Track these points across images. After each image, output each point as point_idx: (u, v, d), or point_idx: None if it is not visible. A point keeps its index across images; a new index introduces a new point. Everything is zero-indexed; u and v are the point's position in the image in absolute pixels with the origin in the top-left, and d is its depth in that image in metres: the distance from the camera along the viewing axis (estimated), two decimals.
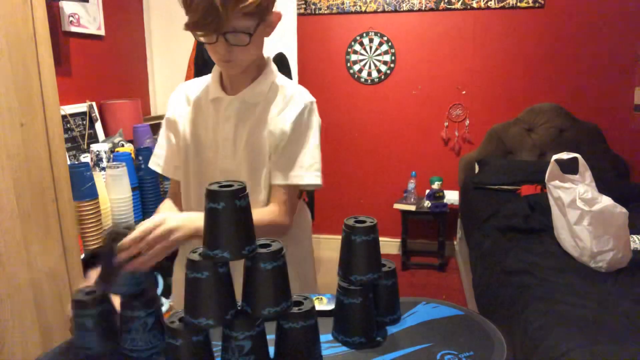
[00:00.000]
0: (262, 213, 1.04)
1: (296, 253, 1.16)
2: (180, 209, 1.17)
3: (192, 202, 1.15)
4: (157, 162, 1.21)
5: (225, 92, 1.09)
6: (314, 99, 1.10)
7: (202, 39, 0.97)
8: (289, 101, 1.07)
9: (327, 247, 3.40)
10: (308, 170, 1.07)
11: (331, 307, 0.93)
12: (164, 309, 2.30)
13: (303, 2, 3.34)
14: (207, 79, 1.15)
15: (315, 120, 1.10)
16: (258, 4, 0.92)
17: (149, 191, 2.16)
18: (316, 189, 1.12)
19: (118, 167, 1.92)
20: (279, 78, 1.12)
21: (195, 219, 0.89)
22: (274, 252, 0.72)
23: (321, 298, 0.96)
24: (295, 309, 0.74)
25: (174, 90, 1.19)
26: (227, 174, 1.09)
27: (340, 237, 0.86)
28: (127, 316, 0.79)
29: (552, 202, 1.92)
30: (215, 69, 1.12)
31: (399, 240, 3.46)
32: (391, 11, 3.29)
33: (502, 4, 3.16)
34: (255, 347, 0.72)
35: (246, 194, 0.73)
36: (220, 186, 0.72)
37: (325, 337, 0.86)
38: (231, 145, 1.09)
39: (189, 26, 0.93)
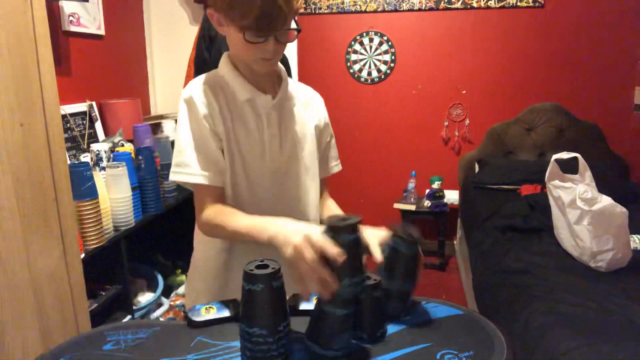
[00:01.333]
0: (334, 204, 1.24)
1: None
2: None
3: (241, 204, 1.06)
4: (215, 177, 1.02)
5: (258, 91, 1.06)
6: None
7: (249, 38, 0.93)
8: (315, 99, 1.19)
9: None
10: (337, 159, 1.26)
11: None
12: (163, 308, 2.30)
13: (303, 1, 3.34)
14: (220, 77, 1.07)
15: None
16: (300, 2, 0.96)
17: (149, 191, 2.16)
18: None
19: (118, 167, 1.92)
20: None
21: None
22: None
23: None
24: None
25: (189, 89, 1.03)
26: (277, 173, 1.09)
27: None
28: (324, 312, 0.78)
29: (552, 201, 1.92)
30: (228, 67, 1.05)
31: None
32: (391, 11, 3.29)
33: (502, 4, 3.16)
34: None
35: (281, 274, 0.75)
36: (257, 266, 0.75)
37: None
38: (277, 145, 1.08)
39: (249, 28, 0.90)
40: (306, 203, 1.16)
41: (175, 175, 1.02)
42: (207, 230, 1.03)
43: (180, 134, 1.02)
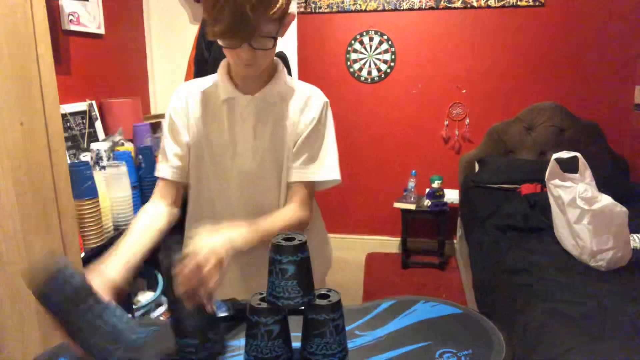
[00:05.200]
0: (288, 215, 1.07)
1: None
2: (172, 211, 1.12)
3: (211, 201, 1.14)
4: (169, 170, 1.11)
5: (239, 92, 1.07)
6: (327, 99, 1.16)
7: (222, 43, 0.96)
8: (308, 100, 1.12)
9: None
10: (327, 166, 1.12)
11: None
12: (163, 308, 2.31)
13: (303, 0, 3.34)
14: (209, 79, 1.12)
15: (331, 118, 1.16)
16: (283, 8, 0.93)
17: (148, 190, 2.16)
18: (336, 184, 1.15)
19: (118, 166, 1.92)
20: (289, 77, 1.14)
21: (237, 238, 0.90)
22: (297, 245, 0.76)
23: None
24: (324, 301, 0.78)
25: (175, 91, 1.14)
26: (248, 174, 1.10)
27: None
28: (253, 321, 0.78)
29: (552, 201, 1.92)
30: (223, 69, 1.09)
31: (399, 239, 3.47)
32: (391, 10, 3.29)
33: (502, 3, 3.16)
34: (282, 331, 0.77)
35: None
36: (284, 239, 0.78)
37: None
38: (250, 145, 1.09)
39: (217, 34, 0.92)
40: (273, 207, 1.13)
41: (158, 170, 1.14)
42: None
43: (163, 132, 1.15)
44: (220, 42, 0.96)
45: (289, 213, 1.07)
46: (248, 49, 0.95)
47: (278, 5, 0.92)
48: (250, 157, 1.09)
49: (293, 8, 1.00)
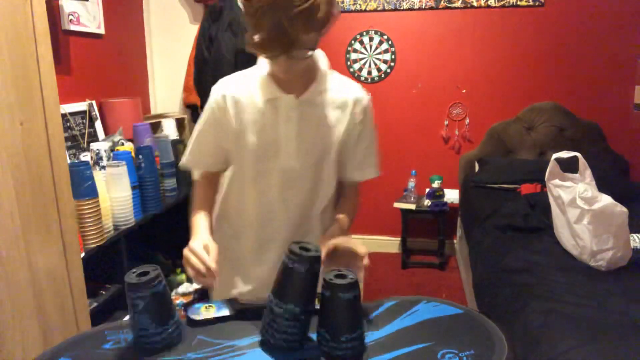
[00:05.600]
0: (353, 208, 1.20)
1: None
2: (212, 195, 1.20)
3: (250, 199, 1.16)
4: (201, 161, 1.19)
5: (282, 91, 1.07)
6: (369, 95, 1.17)
7: (262, 54, 0.98)
8: (356, 100, 1.13)
9: None
10: (376, 165, 1.20)
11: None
12: None
13: (326, 19, 3.33)
14: (250, 76, 1.11)
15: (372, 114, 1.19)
16: (323, 19, 0.92)
17: (149, 190, 2.16)
18: None
19: (118, 166, 1.92)
20: (332, 73, 1.14)
21: None
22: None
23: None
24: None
25: (216, 87, 1.13)
26: (290, 173, 1.11)
27: None
28: (271, 308, 0.82)
29: (552, 200, 1.92)
30: (263, 66, 1.09)
31: (399, 239, 3.46)
32: (391, 10, 3.29)
33: (502, 3, 3.16)
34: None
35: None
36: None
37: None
38: (295, 144, 1.09)
39: (256, 45, 0.92)
40: (312, 204, 1.17)
41: (182, 159, 1.19)
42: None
43: (197, 124, 1.17)
44: (258, 52, 0.96)
45: (353, 211, 1.20)
46: (286, 59, 0.95)
47: (318, 18, 0.90)
48: (295, 156, 1.10)
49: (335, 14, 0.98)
